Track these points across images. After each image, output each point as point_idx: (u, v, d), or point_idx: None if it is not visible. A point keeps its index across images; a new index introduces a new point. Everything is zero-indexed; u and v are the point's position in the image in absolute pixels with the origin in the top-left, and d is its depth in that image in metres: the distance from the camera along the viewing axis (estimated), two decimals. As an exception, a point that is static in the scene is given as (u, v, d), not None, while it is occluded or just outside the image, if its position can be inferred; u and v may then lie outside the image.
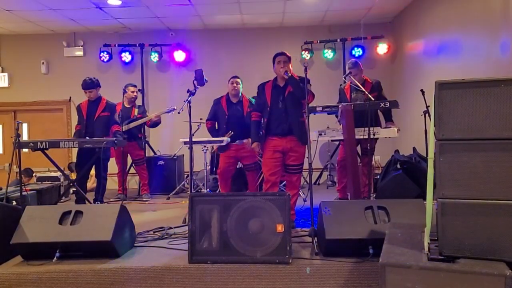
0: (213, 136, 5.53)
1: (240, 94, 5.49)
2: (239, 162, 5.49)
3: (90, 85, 5.72)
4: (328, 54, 8.03)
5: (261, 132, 4.36)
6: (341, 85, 5.71)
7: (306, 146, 4.14)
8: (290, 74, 4.10)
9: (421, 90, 5.03)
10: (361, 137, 4.73)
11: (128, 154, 6.62)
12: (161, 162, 7.06)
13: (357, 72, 5.24)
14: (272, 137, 4.24)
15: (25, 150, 5.13)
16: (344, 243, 3.10)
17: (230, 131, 5.27)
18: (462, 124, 2.26)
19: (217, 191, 6.08)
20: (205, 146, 5.43)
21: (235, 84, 5.40)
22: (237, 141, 5.24)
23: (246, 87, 5.67)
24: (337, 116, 5.37)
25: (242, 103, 5.49)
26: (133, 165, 6.81)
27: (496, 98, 2.20)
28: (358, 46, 7.92)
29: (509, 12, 4.13)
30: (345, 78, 5.37)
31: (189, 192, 4.52)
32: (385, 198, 4.47)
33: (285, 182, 5.79)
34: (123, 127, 6.19)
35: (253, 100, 5.46)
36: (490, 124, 2.21)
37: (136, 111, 6.57)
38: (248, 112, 5.14)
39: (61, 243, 3.24)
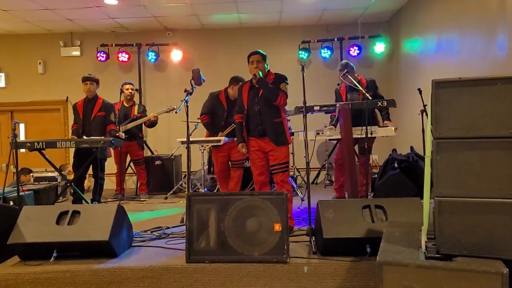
0: (210, 131, 5.51)
1: None
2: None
3: (90, 78, 5.76)
4: (326, 53, 8.03)
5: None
6: (338, 84, 5.70)
7: (302, 145, 4.13)
8: (258, 77, 4.06)
9: (418, 89, 5.04)
10: (359, 136, 4.74)
11: (128, 154, 6.63)
12: (158, 162, 7.05)
13: (349, 72, 5.22)
14: (252, 138, 4.23)
15: (22, 150, 5.12)
16: (342, 242, 3.10)
17: (233, 124, 5.27)
18: (459, 123, 2.27)
19: (215, 191, 6.08)
20: (202, 146, 5.43)
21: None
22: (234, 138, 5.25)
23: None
24: (332, 119, 5.38)
25: None
26: (133, 164, 6.81)
27: (493, 97, 2.20)
28: (355, 45, 7.92)
29: (506, 11, 4.14)
30: (342, 78, 5.34)
31: (186, 192, 4.52)
32: (382, 197, 4.47)
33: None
34: (121, 127, 6.19)
35: None
36: (487, 123, 2.22)
37: (136, 109, 6.57)
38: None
39: (58, 243, 3.24)
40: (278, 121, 4.14)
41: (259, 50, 4.24)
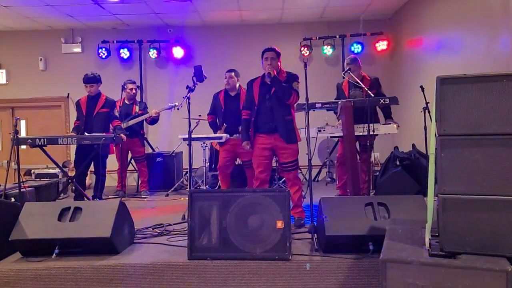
0: (213, 130, 5.58)
1: (237, 87, 5.45)
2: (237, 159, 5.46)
3: (92, 79, 5.69)
4: (327, 50, 8.01)
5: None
6: (339, 82, 5.69)
7: (304, 142, 4.12)
8: (272, 75, 4.06)
9: (421, 87, 5.02)
10: (361, 133, 4.72)
11: (129, 151, 6.62)
12: (159, 159, 7.04)
13: (355, 68, 5.22)
14: (260, 134, 4.23)
15: (23, 146, 5.11)
16: (344, 239, 3.09)
17: (224, 124, 5.27)
18: (464, 120, 2.25)
19: (216, 188, 6.07)
20: (204, 143, 5.41)
21: (227, 79, 5.40)
22: (235, 135, 5.20)
23: (244, 83, 5.60)
24: (336, 113, 5.35)
25: (240, 96, 5.45)
26: (134, 161, 6.81)
27: (498, 94, 2.19)
28: (357, 43, 7.90)
29: (509, 8, 4.12)
30: (344, 74, 5.34)
31: (188, 189, 4.50)
32: (384, 195, 4.47)
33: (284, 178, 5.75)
34: (123, 124, 6.18)
35: None
36: (491, 120, 2.20)
37: (137, 107, 6.58)
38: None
39: (60, 240, 3.24)
40: (289, 118, 4.17)
41: (274, 47, 4.23)
